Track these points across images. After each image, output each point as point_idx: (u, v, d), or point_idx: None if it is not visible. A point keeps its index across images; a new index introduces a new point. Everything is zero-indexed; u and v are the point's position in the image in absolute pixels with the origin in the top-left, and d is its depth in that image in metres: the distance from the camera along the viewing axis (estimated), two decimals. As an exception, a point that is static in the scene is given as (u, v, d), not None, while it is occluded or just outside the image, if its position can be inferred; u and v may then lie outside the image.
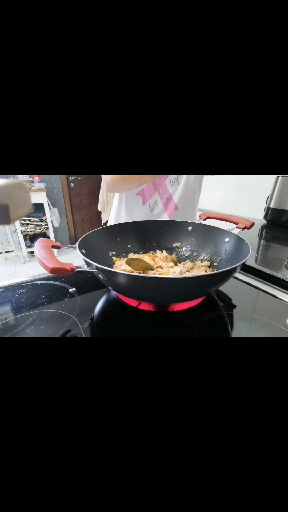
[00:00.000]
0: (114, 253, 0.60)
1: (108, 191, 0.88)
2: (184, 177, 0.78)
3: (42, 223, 2.82)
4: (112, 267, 0.55)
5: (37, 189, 2.63)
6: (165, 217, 0.81)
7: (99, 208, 2.62)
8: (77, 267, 0.37)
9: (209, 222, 0.62)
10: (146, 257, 0.58)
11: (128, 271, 0.50)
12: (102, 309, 0.49)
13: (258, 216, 1.16)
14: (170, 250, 0.64)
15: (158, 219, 0.76)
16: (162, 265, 0.55)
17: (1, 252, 2.77)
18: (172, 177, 0.78)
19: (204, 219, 0.62)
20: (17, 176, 2.46)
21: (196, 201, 0.85)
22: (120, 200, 0.84)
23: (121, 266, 0.54)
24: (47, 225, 2.82)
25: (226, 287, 0.56)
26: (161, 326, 0.43)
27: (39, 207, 2.72)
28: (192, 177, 0.79)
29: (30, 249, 2.76)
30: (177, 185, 0.78)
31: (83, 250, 0.45)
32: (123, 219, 0.84)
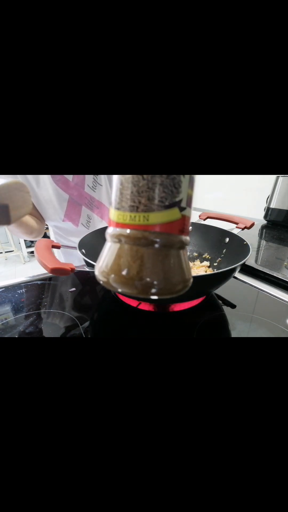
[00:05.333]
0: (114, 253, 0.60)
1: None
2: (103, 177, 0.71)
3: (42, 223, 2.82)
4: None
5: (37, 189, 2.63)
6: (104, 225, 0.73)
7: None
8: (77, 267, 0.37)
9: (209, 222, 0.62)
10: (146, 257, 0.57)
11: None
12: (102, 309, 0.49)
13: (258, 216, 1.16)
14: (170, 250, 0.64)
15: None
16: (162, 265, 0.55)
17: (1, 252, 2.77)
18: (89, 181, 0.69)
19: (204, 219, 0.62)
20: (17, 176, 2.45)
21: None
22: (57, 234, 0.74)
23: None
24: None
25: (226, 287, 0.56)
26: (161, 326, 0.43)
27: (39, 207, 2.72)
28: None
29: (30, 249, 2.76)
30: (100, 186, 0.71)
31: (83, 250, 0.45)
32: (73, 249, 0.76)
